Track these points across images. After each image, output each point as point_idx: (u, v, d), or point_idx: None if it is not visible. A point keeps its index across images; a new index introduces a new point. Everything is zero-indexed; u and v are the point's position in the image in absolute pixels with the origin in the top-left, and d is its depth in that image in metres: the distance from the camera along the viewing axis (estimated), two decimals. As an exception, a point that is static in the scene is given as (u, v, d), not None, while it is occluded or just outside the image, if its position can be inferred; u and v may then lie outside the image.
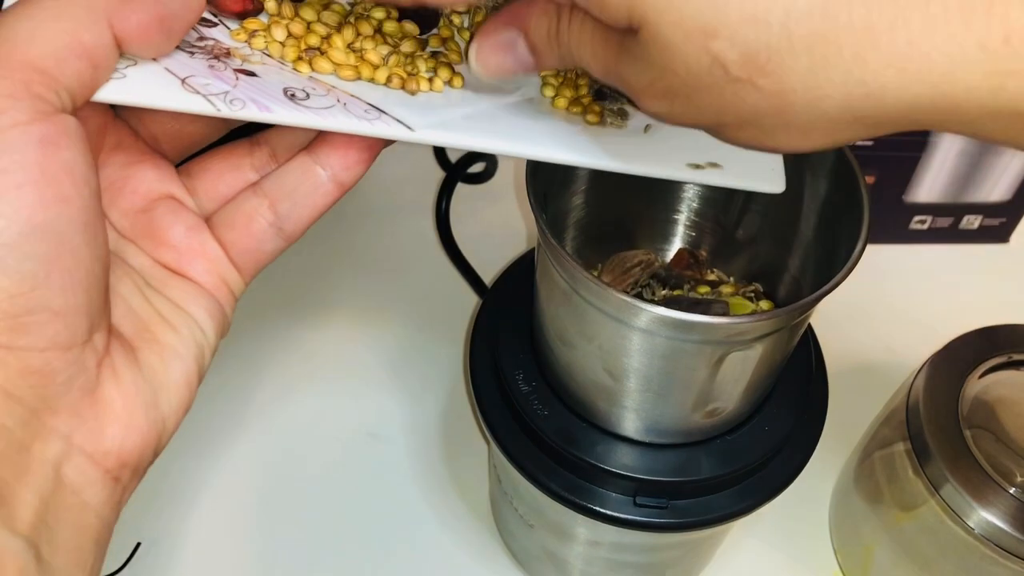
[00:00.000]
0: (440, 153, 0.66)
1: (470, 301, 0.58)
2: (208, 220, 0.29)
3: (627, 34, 0.23)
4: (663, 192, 0.41)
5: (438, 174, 0.64)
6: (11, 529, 0.21)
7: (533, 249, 0.37)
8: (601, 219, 0.41)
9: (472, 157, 0.64)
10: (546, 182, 0.34)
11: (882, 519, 0.45)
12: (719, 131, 0.24)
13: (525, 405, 0.37)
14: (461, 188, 0.64)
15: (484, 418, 0.39)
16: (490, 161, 0.65)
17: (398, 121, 0.26)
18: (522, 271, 0.42)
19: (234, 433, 0.53)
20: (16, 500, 0.22)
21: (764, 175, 0.29)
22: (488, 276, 0.58)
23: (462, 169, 0.64)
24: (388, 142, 0.27)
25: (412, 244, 0.62)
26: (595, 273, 0.38)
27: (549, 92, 0.30)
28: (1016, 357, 0.43)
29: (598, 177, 0.38)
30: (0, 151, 0.21)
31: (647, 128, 0.29)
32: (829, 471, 0.52)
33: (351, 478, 0.51)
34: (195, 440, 0.52)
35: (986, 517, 0.38)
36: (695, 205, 0.41)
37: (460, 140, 0.27)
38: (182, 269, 0.28)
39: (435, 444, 0.53)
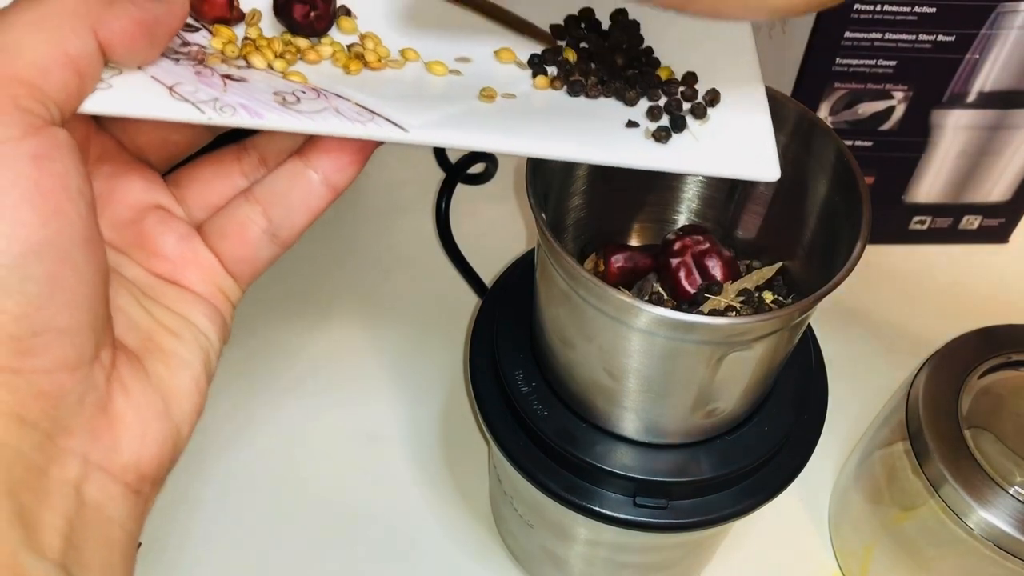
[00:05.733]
0: (440, 154, 0.66)
1: (470, 301, 0.58)
2: (200, 229, 0.28)
3: None
4: (663, 192, 0.41)
5: (438, 174, 0.64)
6: (41, 555, 0.21)
7: (533, 249, 0.37)
8: (601, 219, 0.41)
9: (472, 158, 0.64)
10: (546, 182, 0.34)
11: (882, 519, 0.45)
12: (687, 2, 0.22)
13: (525, 405, 0.37)
14: (461, 188, 0.64)
15: (484, 418, 0.39)
16: (490, 162, 0.65)
17: (391, 122, 0.26)
18: (522, 271, 0.42)
19: (234, 433, 0.53)
20: (42, 525, 0.21)
21: (757, 162, 0.29)
22: (488, 276, 0.58)
23: (462, 169, 0.64)
24: (381, 142, 0.27)
25: (412, 244, 0.62)
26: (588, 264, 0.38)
27: (542, 83, 0.30)
28: (1016, 357, 0.43)
29: (598, 177, 0.38)
30: None
31: (629, 123, 0.29)
32: (829, 471, 0.52)
33: (351, 478, 0.51)
34: (195, 441, 0.51)
35: (986, 517, 0.38)
36: (695, 206, 0.41)
37: (455, 139, 0.27)
38: (176, 279, 0.27)
39: (435, 444, 0.53)
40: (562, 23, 0.33)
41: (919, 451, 0.41)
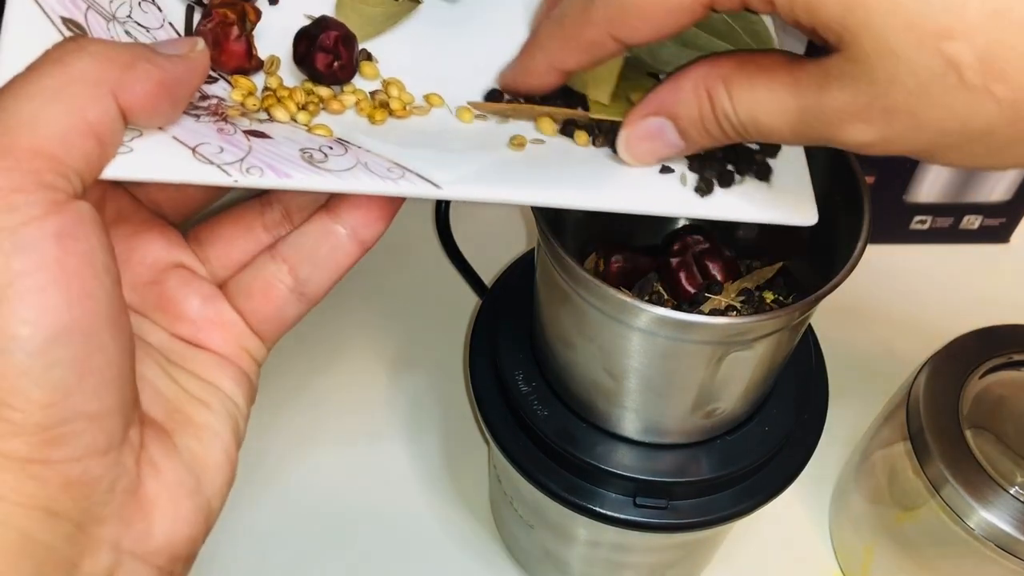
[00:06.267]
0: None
1: (470, 301, 0.58)
2: (223, 287, 0.27)
3: (828, 60, 0.22)
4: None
5: (438, 174, 0.64)
6: None
7: (533, 249, 0.37)
8: (601, 219, 0.41)
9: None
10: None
11: (882, 519, 0.45)
12: (936, 153, 0.22)
13: (525, 405, 0.37)
14: (461, 188, 0.64)
15: (484, 418, 0.39)
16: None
17: (423, 178, 0.25)
18: (522, 271, 0.42)
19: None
20: None
21: (795, 208, 0.28)
22: (488, 276, 0.58)
23: (462, 169, 0.64)
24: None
25: (412, 244, 0.62)
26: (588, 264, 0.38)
27: (547, 128, 0.29)
28: (1016, 357, 0.43)
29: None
30: (16, 251, 0.19)
31: (663, 169, 0.29)
32: (829, 471, 0.52)
33: (351, 478, 0.51)
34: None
35: (986, 517, 0.38)
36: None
37: (489, 194, 0.26)
38: (201, 342, 0.26)
39: (435, 444, 0.53)
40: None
41: (920, 451, 0.41)
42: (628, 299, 0.30)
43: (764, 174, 0.29)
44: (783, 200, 0.29)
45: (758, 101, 0.24)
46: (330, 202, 0.27)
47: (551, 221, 0.32)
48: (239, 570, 0.48)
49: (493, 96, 0.31)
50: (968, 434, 0.40)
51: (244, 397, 0.27)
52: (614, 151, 0.29)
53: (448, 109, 0.30)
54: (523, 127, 0.30)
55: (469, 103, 0.30)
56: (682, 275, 0.37)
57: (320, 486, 0.51)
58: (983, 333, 0.44)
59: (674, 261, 0.37)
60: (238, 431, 0.26)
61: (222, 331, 0.27)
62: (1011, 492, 0.38)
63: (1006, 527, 0.38)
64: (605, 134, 0.29)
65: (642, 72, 0.31)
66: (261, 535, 0.49)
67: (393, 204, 0.27)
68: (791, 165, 0.30)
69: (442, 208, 0.62)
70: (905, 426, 0.42)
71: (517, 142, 0.29)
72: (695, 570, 0.47)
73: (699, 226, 0.40)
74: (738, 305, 0.37)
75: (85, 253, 0.20)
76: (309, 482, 0.51)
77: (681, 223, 0.42)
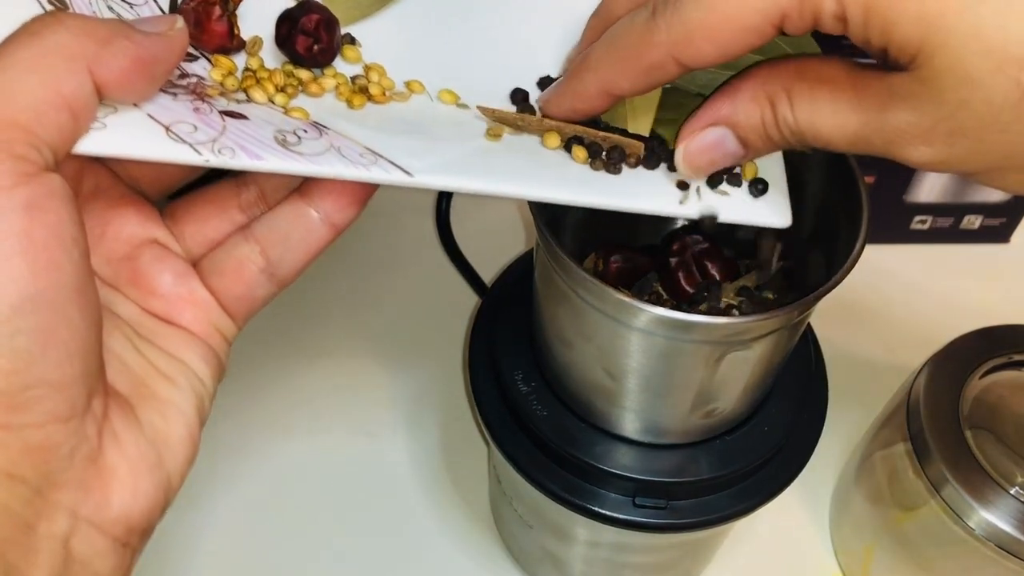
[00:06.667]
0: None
1: (470, 301, 0.58)
2: (196, 265, 0.27)
3: (894, 77, 0.22)
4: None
5: (438, 174, 0.64)
6: None
7: (533, 249, 0.37)
8: (601, 219, 0.41)
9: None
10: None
11: (882, 519, 0.45)
12: (994, 176, 0.23)
13: (524, 405, 0.37)
14: (461, 188, 0.64)
15: (484, 418, 0.39)
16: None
17: (395, 165, 0.26)
18: (522, 271, 0.42)
19: (233, 434, 0.53)
20: None
21: (770, 210, 0.29)
22: (488, 276, 0.58)
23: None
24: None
25: (412, 244, 0.62)
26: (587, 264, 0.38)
27: (552, 143, 0.29)
28: (1016, 357, 0.43)
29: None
30: None
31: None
32: (829, 471, 0.52)
33: (351, 478, 0.51)
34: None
35: (986, 518, 0.38)
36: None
37: (461, 184, 0.26)
38: (172, 318, 0.26)
39: (435, 444, 0.53)
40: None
41: (920, 451, 0.41)
42: (627, 299, 0.30)
43: (737, 180, 0.29)
44: (759, 202, 0.29)
45: (819, 113, 0.24)
46: (304, 185, 0.27)
47: (550, 221, 0.32)
48: (238, 569, 0.48)
49: (516, 96, 0.30)
50: (968, 434, 0.40)
51: (211, 375, 0.27)
52: (610, 172, 0.29)
53: (428, 96, 0.30)
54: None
55: (479, 107, 0.30)
56: (681, 275, 0.37)
57: (320, 486, 0.51)
58: (983, 333, 0.44)
59: (673, 261, 0.37)
60: (203, 409, 0.27)
61: (193, 308, 0.27)
62: (1011, 492, 0.38)
63: (1006, 527, 0.38)
64: (606, 162, 0.29)
65: (680, 95, 0.30)
66: (260, 534, 0.49)
67: (366, 190, 0.27)
68: (768, 167, 0.29)
69: (442, 208, 0.62)
70: (905, 426, 0.42)
71: (494, 132, 0.29)
72: (695, 570, 0.47)
73: (698, 226, 0.40)
74: (736, 302, 0.37)
75: (53, 225, 0.21)
76: (309, 482, 0.51)
77: (680, 223, 0.42)
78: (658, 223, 0.42)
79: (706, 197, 0.28)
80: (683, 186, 0.28)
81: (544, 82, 0.31)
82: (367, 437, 0.53)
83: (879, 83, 0.23)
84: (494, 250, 0.58)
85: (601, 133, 0.29)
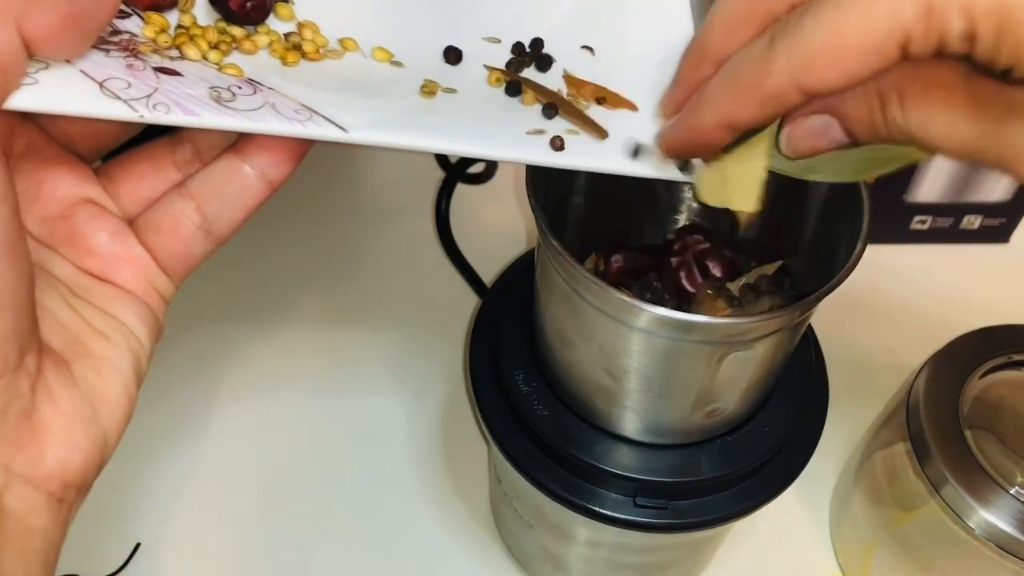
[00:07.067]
0: (440, 153, 0.66)
1: (470, 301, 0.58)
2: (132, 223, 0.27)
3: (1019, 92, 0.21)
4: (663, 193, 0.41)
5: (438, 174, 0.64)
6: None
7: (533, 249, 0.37)
8: (601, 219, 0.41)
9: (472, 158, 0.64)
10: (546, 182, 0.34)
11: (882, 519, 0.45)
12: None
13: (525, 405, 0.37)
14: (461, 188, 0.64)
15: (484, 418, 0.39)
16: (490, 161, 0.65)
17: (330, 121, 0.26)
18: (522, 271, 0.42)
19: (234, 433, 0.53)
20: None
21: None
22: (488, 276, 0.58)
23: (462, 169, 0.64)
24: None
25: (412, 244, 0.62)
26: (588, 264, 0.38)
27: (529, 100, 0.29)
28: (1016, 357, 0.43)
29: (598, 177, 0.38)
30: None
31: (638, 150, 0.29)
32: (829, 471, 0.52)
33: (351, 478, 0.51)
34: (194, 440, 0.52)
35: (986, 518, 0.38)
36: (695, 206, 0.41)
37: (395, 140, 0.26)
38: (108, 276, 0.26)
39: (435, 444, 0.53)
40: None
41: (920, 451, 0.41)
42: (628, 299, 0.30)
43: None
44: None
45: (932, 119, 0.23)
46: (239, 142, 0.27)
47: (551, 221, 0.32)
48: (238, 569, 0.48)
49: (450, 55, 0.31)
50: (968, 434, 0.40)
51: (148, 334, 0.27)
52: (546, 116, 0.29)
53: (362, 54, 0.30)
54: (434, 71, 0.30)
55: (487, 66, 0.30)
56: (682, 275, 0.37)
57: (320, 486, 0.51)
58: (983, 333, 0.44)
59: (674, 261, 0.38)
60: (139, 367, 0.26)
61: (130, 266, 0.27)
62: (1011, 492, 0.38)
63: (1006, 527, 0.38)
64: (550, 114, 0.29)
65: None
66: (260, 534, 0.49)
67: (301, 146, 0.27)
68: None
69: (442, 208, 0.62)
70: (905, 426, 0.42)
71: (428, 90, 0.29)
72: (695, 570, 0.47)
73: (699, 225, 0.40)
74: (737, 294, 0.37)
75: None
76: (308, 482, 0.51)
77: (681, 223, 0.42)
78: (659, 223, 0.42)
79: (649, 155, 0.28)
80: (635, 152, 0.28)
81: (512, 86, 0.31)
82: (367, 437, 0.53)
83: (998, 95, 0.22)
84: (494, 250, 0.58)
85: (577, 110, 0.29)
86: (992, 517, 0.38)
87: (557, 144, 0.28)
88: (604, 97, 0.30)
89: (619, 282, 0.39)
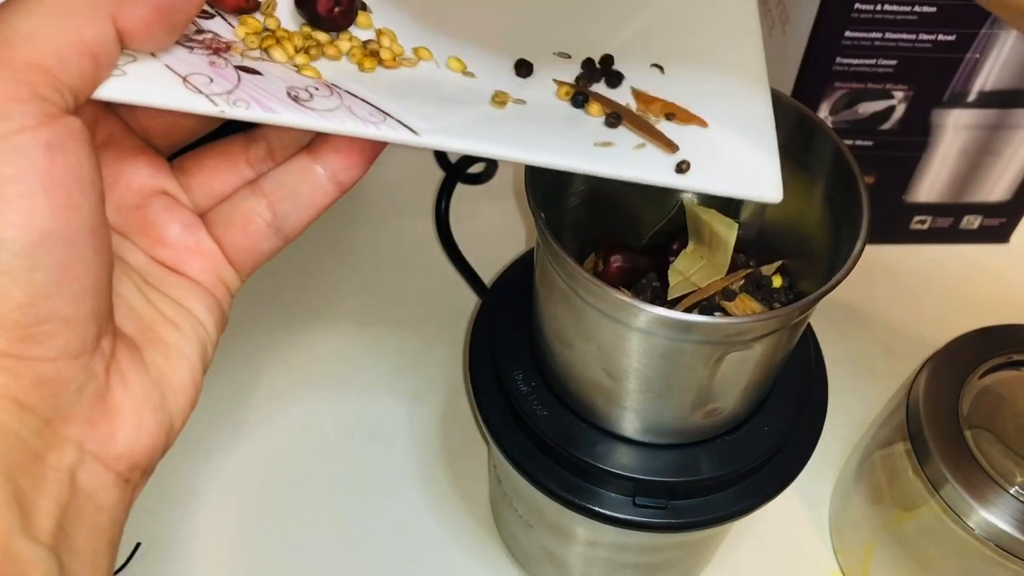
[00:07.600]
0: (440, 153, 0.66)
1: (470, 301, 0.58)
2: (204, 217, 0.28)
3: None
4: (663, 194, 0.41)
5: (438, 174, 0.64)
6: (34, 539, 0.21)
7: (533, 249, 0.37)
8: (601, 219, 0.41)
9: (471, 157, 0.64)
10: (545, 183, 0.34)
11: (882, 519, 0.45)
12: None
13: (524, 405, 0.37)
14: (461, 188, 0.64)
15: (484, 418, 0.39)
16: (490, 162, 0.65)
17: (403, 125, 0.26)
18: (522, 271, 0.42)
19: (234, 433, 0.53)
20: (37, 510, 0.22)
21: (760, 182, 0.29)
22: (488, 276, 0.58)
23: (462, 169, 0.64)
24: (388, 143, 0.27)
25: (412, 244, 0.62)
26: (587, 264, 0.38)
27: (595, 111, 0.30)
28: (1016, 357, 0.43)
29: (597, 177, 0.38)
30: (7, 158, 0.20)
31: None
32: (829, 471, 0.52)
33: (351, 478, 0.51)
34: (195, 440, 0.52)
35: (986, 517, 0.38)
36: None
37: (465, 145, 0.27)
38: (179, 267, 0.27)
39: (435, 444, 0.53)
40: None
41: (919, 451, 0.41)
42: (627, 299, 0.30)
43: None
44: (749, 175, 0.29)
45: None
46: (312, 143, 0.28)
47: (551, 221, 0.32)
48: (238, 568, 0.48)
49: (521, 68, 0.31)
50: (968, 434, 0.40)
51: (214, 324, 0.28)
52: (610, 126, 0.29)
53: (436, 63, 0.31)
54: (506, 83, 0.30)
55: (556, 80, 0.31)
56: (682, 275, 0.37)
57: (319, 485, 0.51)
58: (983, 333, 0.44)
59: (673, 261, 0.38)
60: (206, 356, 0.27)
61: (200, 259, 0.28)
62: (1011, 492, 0.38)
63: (1006, 527, 0.38)
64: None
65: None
66: (260, 534, 0.49)
67: (373, 149, 0.28)
68: (761, 141, 0.30)
69: (442, 208, 0.62)
70: (905, 426, 0.42)
71: (499, 100, 0.29)
72: (695, 570, 0.47)
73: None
74: (737, 289, 0.37)
75: (73, 166, 0.21)
76: (308, 481, 0.51)
77: (681, 223, 0.42)
78: (658, 224, 0.42)
79: (698, 170, 0.28)
80: (683, 168, 0.29)
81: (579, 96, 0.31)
82: (367, 436, 0.53)
83: None
84: (494, 250, 0.58)
85: (646, 123, 0.29)
86: (992, 517, 0.38)
87: (684, 168, 0.28)
88: (673, 112, 0.30)
89: (618, 282, 0.39)
